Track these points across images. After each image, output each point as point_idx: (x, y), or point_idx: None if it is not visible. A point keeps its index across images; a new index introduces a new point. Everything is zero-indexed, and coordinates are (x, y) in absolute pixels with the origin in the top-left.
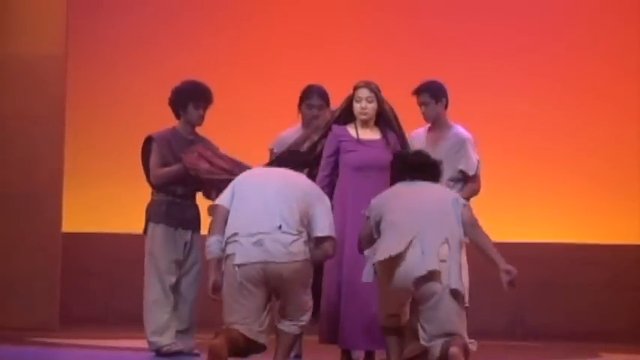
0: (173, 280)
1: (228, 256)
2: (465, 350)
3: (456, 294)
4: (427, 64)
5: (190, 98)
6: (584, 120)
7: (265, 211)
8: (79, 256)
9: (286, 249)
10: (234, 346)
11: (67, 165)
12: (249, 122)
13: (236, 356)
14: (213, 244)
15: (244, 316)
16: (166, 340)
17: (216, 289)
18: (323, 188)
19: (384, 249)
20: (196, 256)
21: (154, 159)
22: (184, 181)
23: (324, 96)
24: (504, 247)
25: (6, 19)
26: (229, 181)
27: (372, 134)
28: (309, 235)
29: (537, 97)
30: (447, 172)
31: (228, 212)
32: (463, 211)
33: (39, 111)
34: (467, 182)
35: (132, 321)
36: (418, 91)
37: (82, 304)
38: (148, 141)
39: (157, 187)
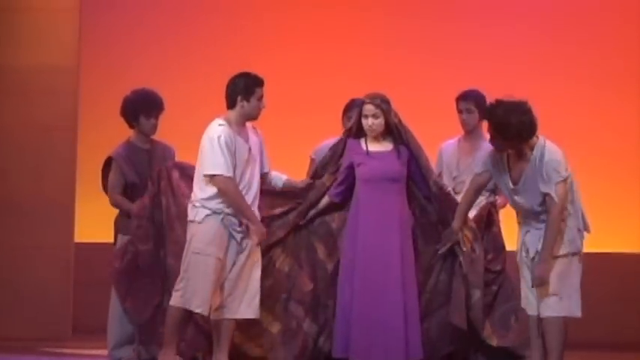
0: None
1: None
2: None
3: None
4: (429, 69)
5: (141, 109)
6: (591, 124)
7: None
8: (91, 267)
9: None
10: None
11: (80, 175)
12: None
13: None
14: None
15: None
16: (124, 353)
17: None
18: (332, 196)
19: None
20: None
21: (112, 179)
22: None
23: None
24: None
25: (19, 30)
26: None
27: (382, 146)
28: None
29: (539, 100)
30: None
31: None
32: None
33: (51, 121)
34: (498, 192)
35: None
36: (464, 98)
37: (95, 315)
38: (109, 161)
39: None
